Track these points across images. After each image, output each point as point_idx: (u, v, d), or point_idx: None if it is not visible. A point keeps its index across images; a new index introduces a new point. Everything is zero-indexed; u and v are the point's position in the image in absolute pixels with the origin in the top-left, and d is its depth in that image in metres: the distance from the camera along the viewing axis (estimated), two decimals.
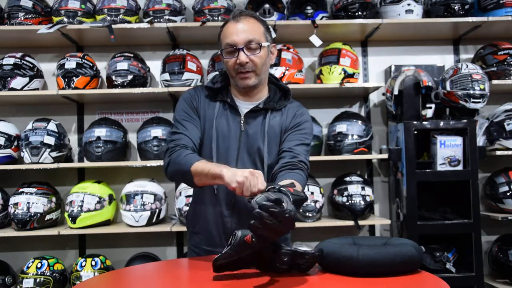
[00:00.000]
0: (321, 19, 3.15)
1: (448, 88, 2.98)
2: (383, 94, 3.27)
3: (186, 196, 2.91)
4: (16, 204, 2.91)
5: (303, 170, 1.63)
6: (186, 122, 1.71)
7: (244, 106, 1.73)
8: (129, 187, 3.02)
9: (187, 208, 2.48)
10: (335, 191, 3.09)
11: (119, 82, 3.01)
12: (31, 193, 2.95)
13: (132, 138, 3.26)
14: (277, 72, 3.04)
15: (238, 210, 1.67)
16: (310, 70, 3.41)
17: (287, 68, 3.07)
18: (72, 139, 3.30)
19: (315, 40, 3.09)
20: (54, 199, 3.04)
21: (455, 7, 3.13)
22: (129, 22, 3.10)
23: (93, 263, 2.90)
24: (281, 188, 1.29)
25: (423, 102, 3.04)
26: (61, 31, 3.02)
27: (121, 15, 3.09)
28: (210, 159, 1.64)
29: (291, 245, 1.83)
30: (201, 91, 1.77)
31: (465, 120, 2.97)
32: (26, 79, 3.03)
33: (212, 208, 1.70)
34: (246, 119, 1.71)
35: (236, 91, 1.75)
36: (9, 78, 2.99)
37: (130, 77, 3.02)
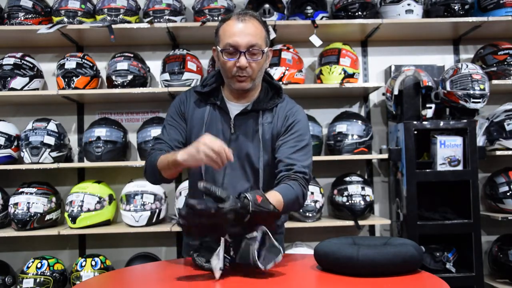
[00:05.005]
0: (321, 19, 3.14)
1: (448, 88, 2.98)
2: (383, 94, 3.27)
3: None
4: (16, 204, 2.90)
5: (297, 180, 1.57)
6: (170, 127, 1.72)
7: (235, 108, 1.69)
8: (129, 187, 3.02)
9: None
10: (335, 191, 3.09)
11: (119, 82, 3.01)
12: (31, 193, 2.95)
13: (132, 138, 3.26)
14: (277, 72, 3.04)
15: None
16: (310, 70, 3.41)
17: (287, 68, 3.07)
18: (72, 139, 3.30)
19: (315, 40, 3.09)
20: (54, 199, 3.04)
21: (455, 7, 3.13)
22: (129, 22, 3.10)
23: (93, 263, 2.90)
24: (246, 195, 1.30)
25: (423, 102, 3.04)
26: (61, 31, 3.01)
27: (121, 15, 3.09)
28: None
29: (284, 245, 1.84)
30: (191, 95, 1.75)
31: (465, 120, 2.96)
32: (26, 79, 3.03)
33: None
34: (236, 121, 1.68)
35: (229, 92, 1.72)
36: (9, 78, 2.99)
37: (130, 77, 3.02)
